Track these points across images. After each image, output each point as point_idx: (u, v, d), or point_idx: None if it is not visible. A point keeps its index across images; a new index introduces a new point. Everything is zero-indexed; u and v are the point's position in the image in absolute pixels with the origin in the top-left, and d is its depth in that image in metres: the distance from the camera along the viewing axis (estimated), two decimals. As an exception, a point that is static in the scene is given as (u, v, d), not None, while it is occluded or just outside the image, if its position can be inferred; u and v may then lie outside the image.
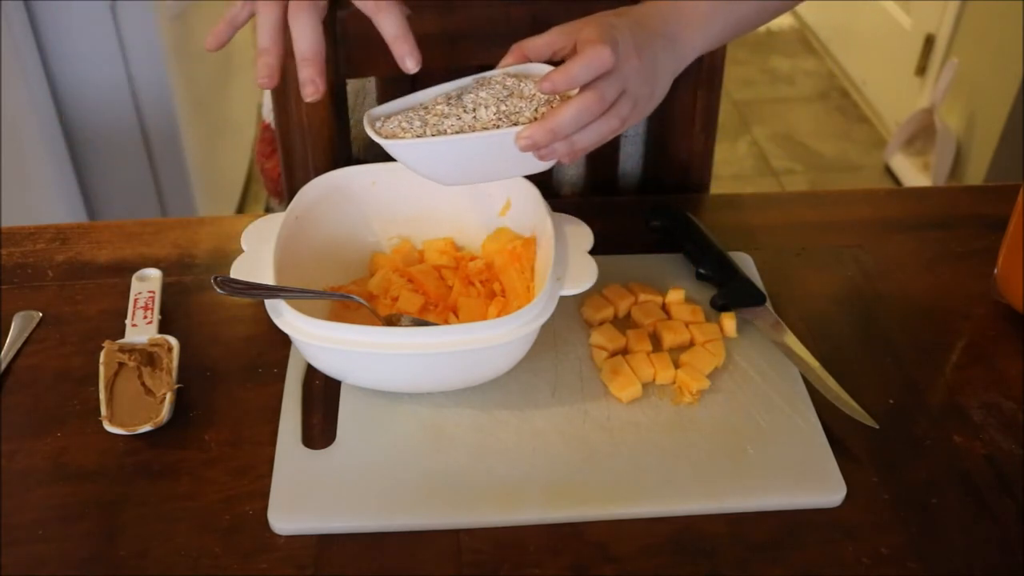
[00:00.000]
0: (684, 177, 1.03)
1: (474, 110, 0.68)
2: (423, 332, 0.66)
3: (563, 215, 0.77)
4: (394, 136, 0.68)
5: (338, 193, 0.81)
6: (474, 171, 0.72)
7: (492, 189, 0.81)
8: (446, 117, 0.68)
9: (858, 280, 0.87)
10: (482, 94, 0.69)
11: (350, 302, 0.76)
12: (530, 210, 0.80)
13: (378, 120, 0.70)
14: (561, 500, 0.66)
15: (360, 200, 0.82)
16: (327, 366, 0.71)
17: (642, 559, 0.64)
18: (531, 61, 0.72)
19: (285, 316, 0.67)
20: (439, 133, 0.67)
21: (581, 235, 0.76)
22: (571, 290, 0.70)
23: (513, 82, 0.71)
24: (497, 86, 0.70)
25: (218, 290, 0.68)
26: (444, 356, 0.66)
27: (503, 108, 0.68)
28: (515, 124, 0.68)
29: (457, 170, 0.71)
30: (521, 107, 0.68)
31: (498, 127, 0.68)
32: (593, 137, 0.68)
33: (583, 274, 0.72)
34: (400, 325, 0.75)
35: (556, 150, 0.67)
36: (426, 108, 0.70)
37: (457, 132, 0.67)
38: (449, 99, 0.71)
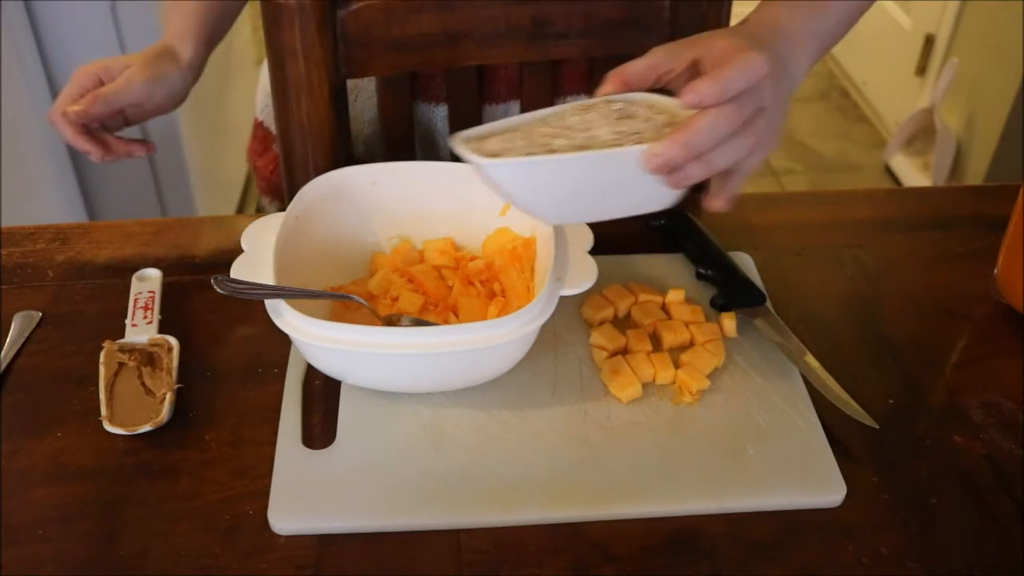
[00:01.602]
0: (684, 177, 1.03)
1: (585, 130, 0.58)
2: (423, 332, 0.66)
3: (563, 215, 0.77)
4: (496, 156, 0.58)
5: (338, 193, 0.81)
6: (586, 201, 0.61)
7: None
8: (554, 137, 0.58)
9: (858, 280, 0.87)
10: (589, 116, 0.60)
11: (350, 302, 0.76)
12: (530, 210, 0.80)
13: (472, 142, 0.61)
14: (561, 500, 0.66)
15: (360, 200, 0.82)
16: (327, 366, 0.71)
17: (642, 559, 0.63)
18: (632, 90, 0.62)
19: (285, 316, 0.67)
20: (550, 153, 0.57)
21: (581, 235, 0.76)
22: (571, 290, 0.70)
23: (621, 106, 0.60)
24: (604, 108, 0.60)
25: (218, 290, 0.68)
26: (444, 356, 0.66)
27: (620, 129, 0.58)
28: (639, 144, 0.56)
29: (566, 199, 0.60)
30: (640, 128, 0.58)
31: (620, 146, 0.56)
32: (730, 157, 0.58)
33: (583, 274, 0.72)
34: (400, 325, 0.75)
35: (690, 174, 0.56)
36: (524, 131, 0.60)
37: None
38: (548, 124, 0.61)
